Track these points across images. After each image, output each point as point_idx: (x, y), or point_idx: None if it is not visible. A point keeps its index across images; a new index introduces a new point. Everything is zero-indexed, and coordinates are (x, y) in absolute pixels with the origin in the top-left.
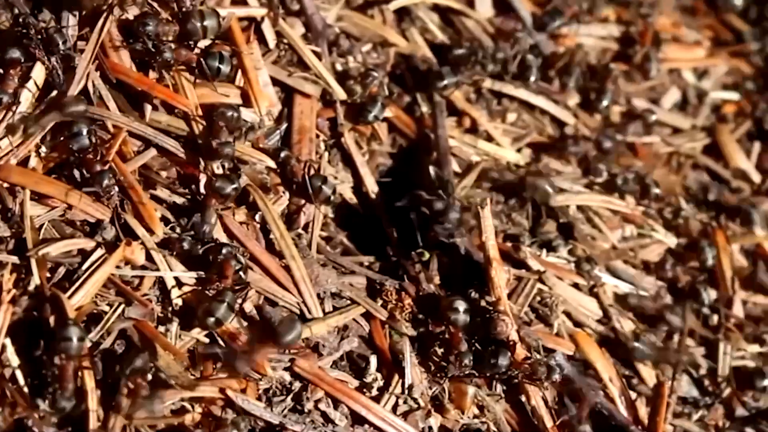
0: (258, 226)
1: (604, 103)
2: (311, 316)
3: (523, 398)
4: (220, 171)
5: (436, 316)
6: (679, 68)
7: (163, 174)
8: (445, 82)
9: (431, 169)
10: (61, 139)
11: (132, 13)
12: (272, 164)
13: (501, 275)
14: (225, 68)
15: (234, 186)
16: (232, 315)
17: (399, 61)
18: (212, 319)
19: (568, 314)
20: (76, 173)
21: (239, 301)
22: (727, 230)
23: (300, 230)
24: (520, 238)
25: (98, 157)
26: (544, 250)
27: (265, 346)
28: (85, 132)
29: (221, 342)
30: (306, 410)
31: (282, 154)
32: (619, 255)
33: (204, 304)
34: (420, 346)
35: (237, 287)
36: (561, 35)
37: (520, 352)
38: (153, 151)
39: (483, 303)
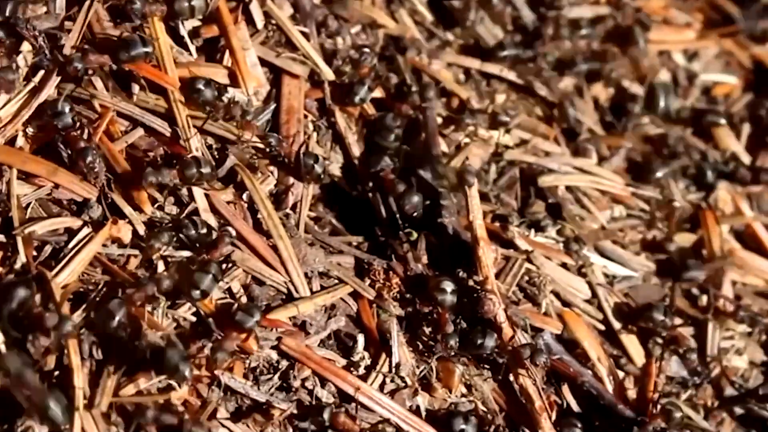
0: (245, 205)
1: (582, 66)
2: (299, 295)
3: (511, 377)
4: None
5: (423, 295)
6: (670, 50)
7: (151, 153)
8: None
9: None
10: (45, 117)
11: None
12: (260, 144)
13: (488, 255)
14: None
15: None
16: (216, 286)
17: (388, 43)
18: (197, 292)
19: (556, 294)
20: (63, 153)
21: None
22: (716, 211)
23: (288, 210)
24: (508, 218)
25: (83, 135)
26: (533, 230)
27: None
28: (67, 110)
29: None
30: (293, 388)
31: (270, 135)
32: (607, 235)
33: (189, 276)
34: (407, 325)
35: (222, 261)
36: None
37: (507, 332)
38: (140, 131)
39: (471, 282)
